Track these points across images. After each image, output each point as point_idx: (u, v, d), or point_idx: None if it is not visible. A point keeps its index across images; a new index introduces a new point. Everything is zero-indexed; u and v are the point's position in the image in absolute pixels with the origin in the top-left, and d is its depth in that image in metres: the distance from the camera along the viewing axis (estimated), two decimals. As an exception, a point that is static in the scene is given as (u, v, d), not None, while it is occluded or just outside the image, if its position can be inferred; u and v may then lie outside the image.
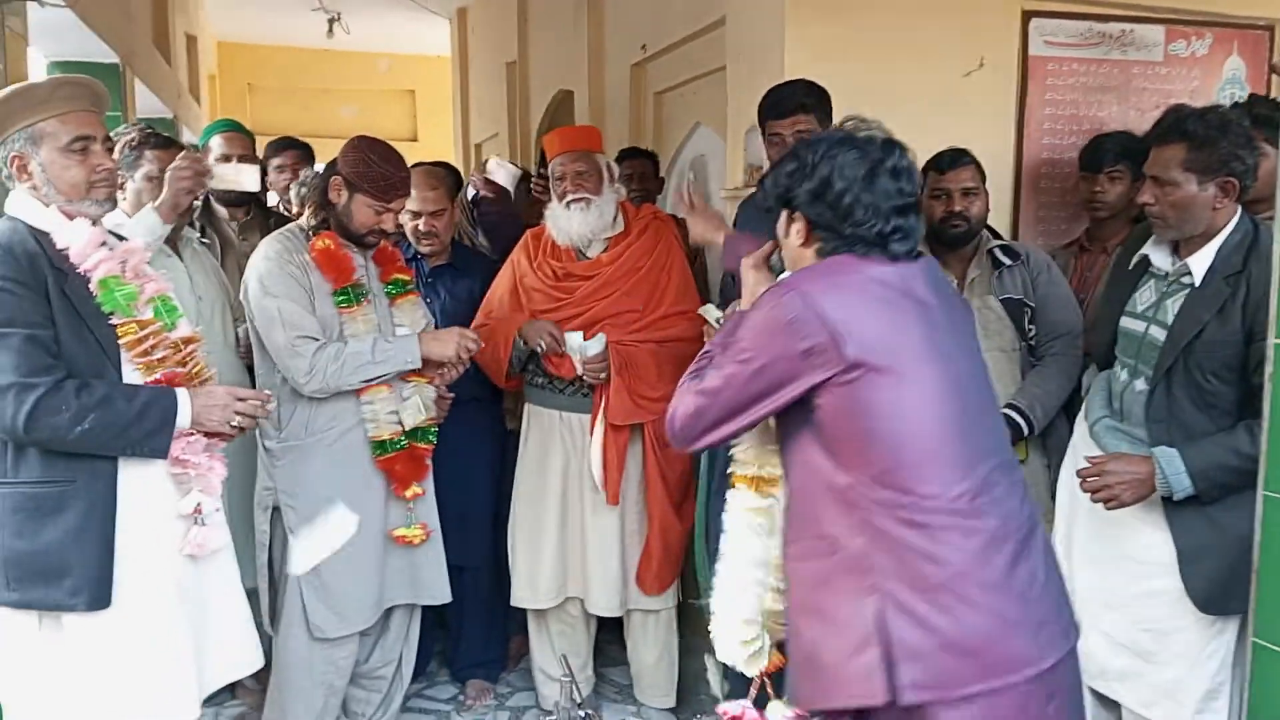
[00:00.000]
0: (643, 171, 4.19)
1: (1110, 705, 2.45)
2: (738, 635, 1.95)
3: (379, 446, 2.79)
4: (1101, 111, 3.49)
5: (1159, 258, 2.38)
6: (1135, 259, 2.45)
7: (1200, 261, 2.27)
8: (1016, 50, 3.36)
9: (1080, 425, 2.54)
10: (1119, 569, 2.35)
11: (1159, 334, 2.31)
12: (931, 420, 1.71)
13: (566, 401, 3.13)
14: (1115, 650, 2.36)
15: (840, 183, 1.75)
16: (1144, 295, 2.41)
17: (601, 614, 3.23)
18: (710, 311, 2.80)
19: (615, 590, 3.17)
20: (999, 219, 3.28)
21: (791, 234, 1.85)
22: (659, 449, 3.11)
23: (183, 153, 3.03)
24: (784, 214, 1.86)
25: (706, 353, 1.92)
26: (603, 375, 3.02)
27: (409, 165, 2.89)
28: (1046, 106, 3.43)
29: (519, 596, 3.27)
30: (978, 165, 2.92)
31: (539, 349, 3.06)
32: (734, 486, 2.00)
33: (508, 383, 3.25)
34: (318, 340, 2.70)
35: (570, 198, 3.09)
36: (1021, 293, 2.85)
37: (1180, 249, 2.34)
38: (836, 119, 2.95)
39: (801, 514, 1.81)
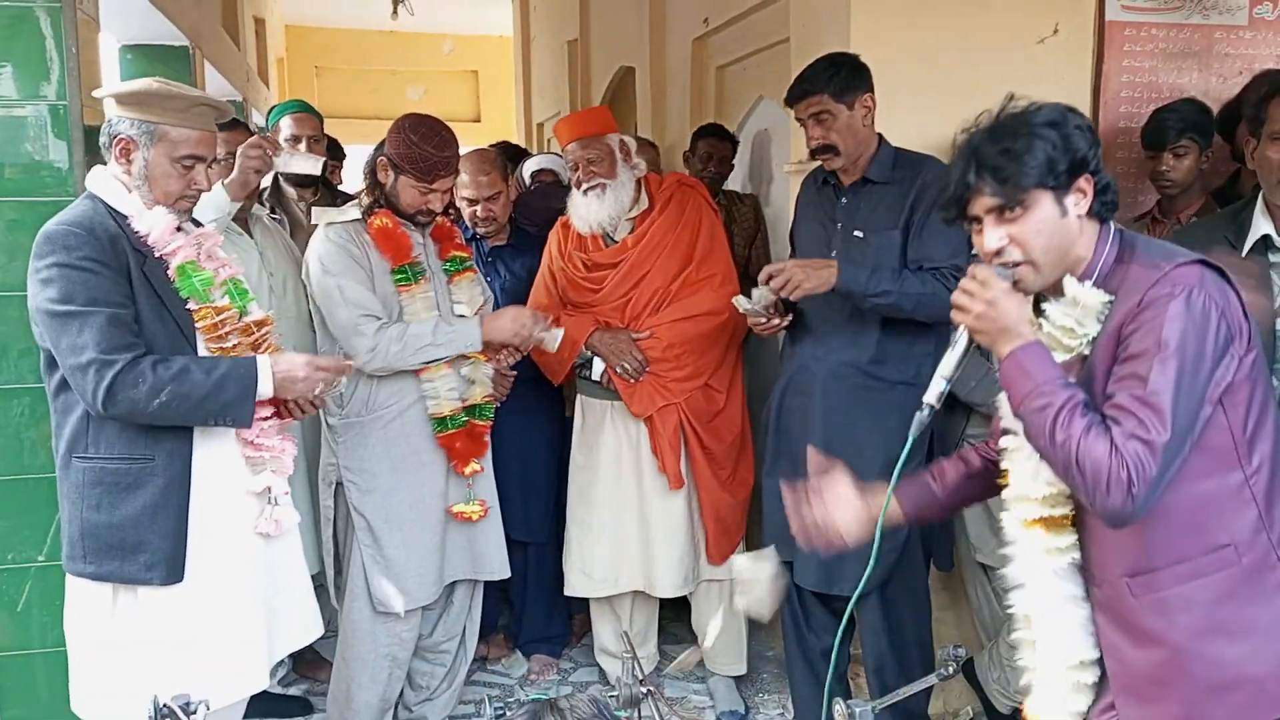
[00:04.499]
0: (722, 155, 4.14)
1: None
2: (1075, 678, 1.75)
3: (439, 423, 2.81)
4: (1181, 79, 3.35)
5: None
6: (1251, 242, 2.21)
7: None
8: (1092, 15, 3.24)
9: None
10: None
11: None
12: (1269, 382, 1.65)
13: (614, 392, 3.13)
14: None
15: (1087, 125, 1.67)
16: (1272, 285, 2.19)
17: (667, 595, 3.22)
18: (742, 302, 2.76)
19: (680, 569, 3.16)
20: (1073, 191, 3.17)
21: (1069, 205, 1.65)
22: (696, 426, 3.09)
23: (254, 135, 3.05)
24: (1047, 196, 1.64)
25: (1069, 398, 1.59)
26: (641, 372, 3.04)
27: (456, 148, 2.82)
28: (1123, 74, 3.30)
29: (573, 585, 3.26)
30: (1051, 135, 2.83)
31: (620, 370, 3.05)
32: (1017, 532, 1.78)
33: (559, 379, 3.27)
34: (381, 319, 2.72)
35: (585, 185, 3.06)
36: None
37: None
38: (903, 88, 2.92)
39: (1180, 533, 1.64)
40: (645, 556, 3.17)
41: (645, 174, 3.17)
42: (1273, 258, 2.17)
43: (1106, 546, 1.71)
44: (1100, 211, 1.68)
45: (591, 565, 3.21)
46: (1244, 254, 2.23)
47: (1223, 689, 1.62)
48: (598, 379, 3.10)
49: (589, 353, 3.11)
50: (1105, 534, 1.69)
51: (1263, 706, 1.61)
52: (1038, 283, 1.68)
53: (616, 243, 3.14)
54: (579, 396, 3.28)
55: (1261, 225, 2.20)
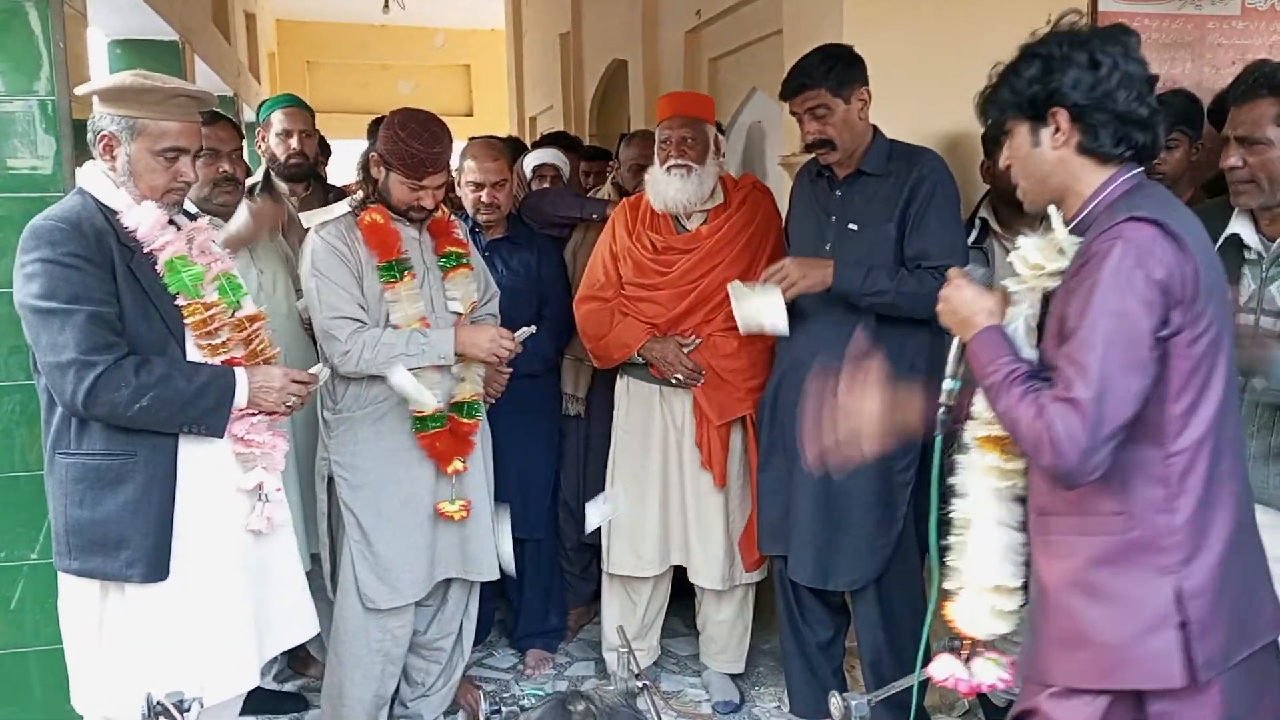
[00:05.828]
0: None
1: None
2: (993, 604, 1.80)
3: (419, 423, 2.79)
4: (1175, 69, 3.35)
5: (1250, 236, 2.19)
6: (1220, 241, 2.22)
7: None
8: (1085, 6, 3.24)
9: None
10: None
11: (1272, 324, 2.14)
12: (1230, 375, 1.63)
13: (663, 379, 3.14)
14: None
15: (1105, 59, 1.63)
16: (1239, 285, 2.21)
17: (704, 585, 3.23)
18: (738, 288, 2.75)
19: (719, 564, 3.17)
20: (1066, 182, 3.17)
21: (1044, 139, 1.67)
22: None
23: (265, 202, 2.97)
24: (1024, 125, 1.69)
25: (1009, 372, 1.64)
26: (697, 378, 3.07)
27: (446, 144, 2.79)
28: (1117, 65, 3.31)
29: (619, 563, 3.26)
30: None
31: (675, 381, 3.08)
32: (972, 447, 1.81)
33: (603, 366, 3.29)
34: (358, 322, 2.71)
35: (672, 163, 3.06)
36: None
37: (1263, 223, 2.17)
38: (896, 79, 2.91)
39: (1088, 487, 1.62)
40: (687, 542, 3.19)
41: (723, 173, 3.19)
42: (1247, 256, 2.22)
43: (1031, 483, 1.77)
44: (1098, 151, 1.65)
45: (641, 544, 3.21)
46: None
47: (1070, 643, 1.66)
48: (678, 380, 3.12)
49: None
50: (1030, 472, 1.76)
51: (1100, 672, 1.63)
52: (1030, 205, 1.77)
53: (688, 230, 3.14)
54: (624, 379, 3.27)
55: (1236, 226, 2.23)
